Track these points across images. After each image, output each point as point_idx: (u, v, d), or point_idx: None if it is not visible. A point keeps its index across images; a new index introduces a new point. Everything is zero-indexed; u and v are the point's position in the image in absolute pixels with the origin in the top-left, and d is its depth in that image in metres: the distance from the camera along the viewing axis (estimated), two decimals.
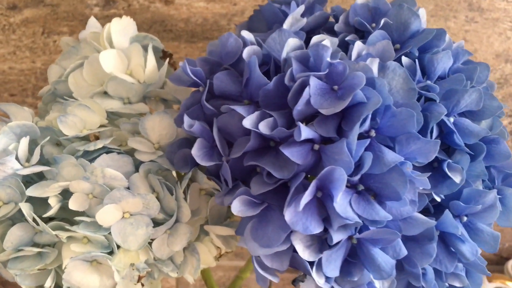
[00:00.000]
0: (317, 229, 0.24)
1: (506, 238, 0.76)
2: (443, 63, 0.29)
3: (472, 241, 0.29)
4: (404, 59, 0.29)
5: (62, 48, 0.37)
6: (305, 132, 0.23)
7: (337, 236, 0.24)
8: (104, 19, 0.52)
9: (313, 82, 0.24)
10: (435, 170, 0.28)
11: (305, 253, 0.25)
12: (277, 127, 0.24)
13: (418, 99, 0.29)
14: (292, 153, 0.24)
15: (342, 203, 0.24)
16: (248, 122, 0.24)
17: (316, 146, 0.24)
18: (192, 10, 0.51)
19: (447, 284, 0.30)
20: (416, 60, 0.29)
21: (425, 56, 0.30)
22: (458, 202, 0.28)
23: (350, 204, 0.24)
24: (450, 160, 0.27)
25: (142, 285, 0.31)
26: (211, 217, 0.30)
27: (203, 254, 0.31)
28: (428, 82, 0.28)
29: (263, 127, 0.24)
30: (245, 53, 0.26)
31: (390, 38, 0.29)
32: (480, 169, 0.28)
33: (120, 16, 0.34)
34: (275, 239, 0.24)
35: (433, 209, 0.29)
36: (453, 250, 0.29)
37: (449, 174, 0.27)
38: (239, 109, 0.25)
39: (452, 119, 0.29)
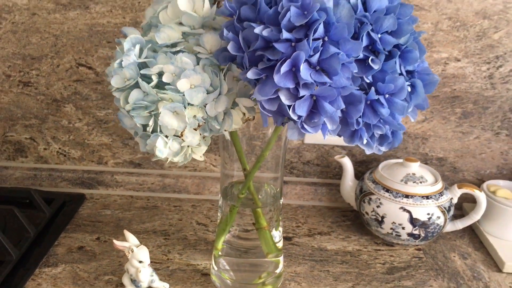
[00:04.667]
0: (290, 85, 0.45)
1: (487, 166, 0.94)
2: (375, 2, 0.49)
3: (390, 109, 0.50)
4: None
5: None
6: (286, 34, 0.45)
7: (302, 91, 0.46)
8: None
9: (293, 9, 0.46)
10: (367, 65, 0.49)
11: (286, 101, 0.46)
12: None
13: (361, 24, 0.49)
14: (278, 46, 0.45)
15: (305, 73, 0.45)
16: (257, 30, 0.46)
17: (293, 44, 0.46)
18: None
19: (374, 133, 0.51)
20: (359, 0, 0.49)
21: None
22: (380, 83, 0.49)
23: (310, 75, 0.46)
24: (373, 57, 0.48)
25: (200, 134, 0.54)
26: (239, 94, 0.53)
27: (234, 116, 0.54)
28: (365, 13, 0.49)
29: (265, 33, 0.46)
30: None
31: None
32: (392, 65, 0.49)
33: None
34: (269, 92, 0.46)
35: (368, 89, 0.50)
36: (376, 112, 0.49)
37: (371, 64, 0.47)
38: (254, 25, 0.47)
39: (379, 35, 0.49)
